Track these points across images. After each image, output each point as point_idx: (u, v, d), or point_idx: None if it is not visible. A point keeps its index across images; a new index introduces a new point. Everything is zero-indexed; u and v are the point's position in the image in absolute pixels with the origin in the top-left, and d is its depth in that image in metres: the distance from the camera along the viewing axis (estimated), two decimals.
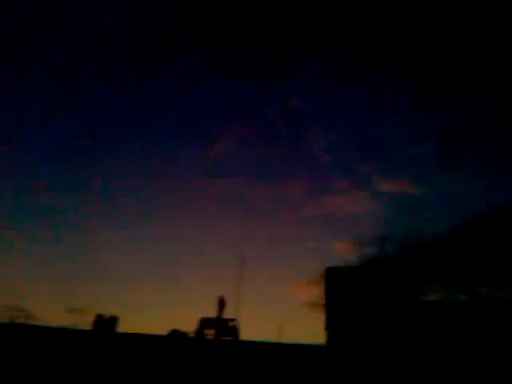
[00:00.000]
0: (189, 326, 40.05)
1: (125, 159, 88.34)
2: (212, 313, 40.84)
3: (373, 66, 78.10)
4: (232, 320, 40.27)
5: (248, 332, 44.11)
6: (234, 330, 39.78)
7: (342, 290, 36.64)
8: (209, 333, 39.64)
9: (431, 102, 73.79)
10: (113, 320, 40.16)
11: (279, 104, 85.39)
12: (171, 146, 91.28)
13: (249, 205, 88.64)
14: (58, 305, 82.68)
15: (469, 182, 70.41)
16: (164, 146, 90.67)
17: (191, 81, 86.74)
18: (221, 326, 39.75)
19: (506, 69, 60.70)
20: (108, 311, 41.14)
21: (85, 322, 40.90)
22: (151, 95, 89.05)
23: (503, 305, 33.80)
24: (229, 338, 38.90)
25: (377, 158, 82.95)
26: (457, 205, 68.01)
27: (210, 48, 79.79)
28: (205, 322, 39.93)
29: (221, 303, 40.48)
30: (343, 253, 70.41)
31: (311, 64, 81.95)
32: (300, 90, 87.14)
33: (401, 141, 78.46)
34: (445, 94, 72.93)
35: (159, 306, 77.14)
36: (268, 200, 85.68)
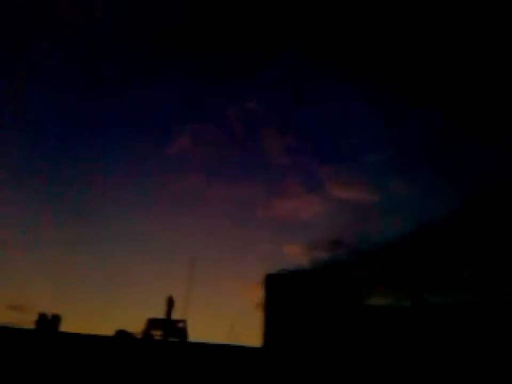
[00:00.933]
0: (136, 326, 39.38)
1: (70, 155, 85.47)
2: (160, 313, 40.26)
3: (334, 73, 79.62)
4: (181, 321, 39.86)
5: (199, 333, 43.74)
6: (182, 332, 39.39)
7: (280, 297, 37.52)
8: (157, 334, 39.05)
9: (390, 110, 76.42)
10: (56, 319, 38.76)
11: (238, 104, 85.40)
12: (127, 142, 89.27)
13: (203, 204, 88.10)
14: None
15: (421, 192, 73.31)
16: (119, 143, 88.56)
17: (151, 77, 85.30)
18: (169, 327, 39.25)
19: (458, 87, 63.66)
20: (51, 309, 39.56)
21: (27, 321, 39.27)
22: (114, 91, 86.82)
23: (444, 311, 35.31)
24: (177, 339, 38.48)
25: (333, 164, 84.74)
26: (409, 213, 70.62)
27: (172, 46, 78.82)
28: (153, 323, 39.30)
29: (170, 304, 39.92)
30: (295, 256, 71.35)
31: (273, 67, 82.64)
32: (259, 92, 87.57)
33: (358, 147, 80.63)
34: (404, 105, 75.69)
35: (105, 306, 75.05)
36: (223, 200, 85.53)
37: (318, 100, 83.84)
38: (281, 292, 37.68)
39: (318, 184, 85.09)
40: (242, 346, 35.95)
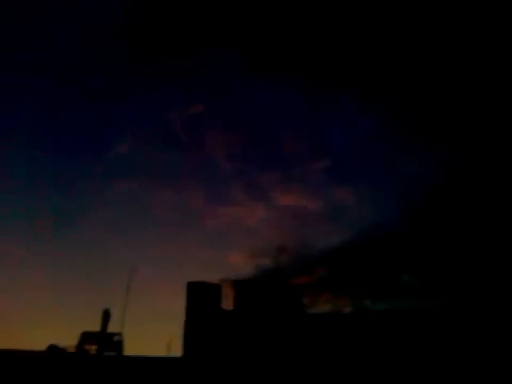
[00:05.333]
0: (69, 340, 38.06)
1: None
2: (96, 327, 39.12)
3: (276, 79, 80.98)
4: (117, 334, 38.90)
5: (138, 347, 42.94)
6: (118, 345, 38.44)
7: (203, 305, 37.97)
8: (92, 348, 37.91)
9: (332, 117, 79.15)
10: None
11: (182, 109, 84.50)
12: (65, 146, 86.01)
13: (145, 211, 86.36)
14: None
15: (363, 199, 75.99)
16: (57, 147, 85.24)
17: (91, 80, 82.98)
18: (105, 340, 38.20)
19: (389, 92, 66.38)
20: None
21: None
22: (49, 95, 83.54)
23: (382, 317, 36.76)
24: (113, 353, 37.51)
25: (277, 171, 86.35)
26: (351, 220, 72.96)
27: (112, 48, 77.22)
28: (87, 337, 38.10)
29: (106, 317, 38.88)
30: (240, 263, 71.63)
31: (216, 70, 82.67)
32: (203, 96, 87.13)
33: (301, 154, 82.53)
34: (347, 112, 78.36)
35: (35, 319, 71.75)
36: (166, 207, 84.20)
37: (261, 107, 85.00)
38: (204, 300, 38.03)
39: (262, 191, 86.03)
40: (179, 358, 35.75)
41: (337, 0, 65.44)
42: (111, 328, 39.18)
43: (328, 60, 70.23)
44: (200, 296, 37.99)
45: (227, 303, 40.42)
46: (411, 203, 56.86)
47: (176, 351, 38.42)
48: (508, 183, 48.15)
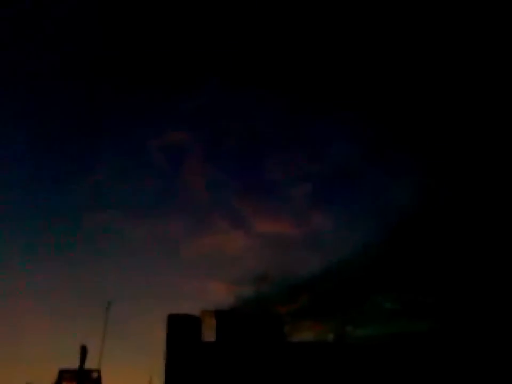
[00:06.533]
0: (47, 379, 37.03)
1: None
2: (73, 364, 38.11)
3: (257, 103, 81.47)
4: (95, 371, 37.93)
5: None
6: (97, 382, 37.46)
7: (183, 338, 37.18)
8: None
9: (311, 142, 79.72)
10: None
11: (161, 137, 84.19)
12: (39, 175, 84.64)
13: (121, 242, 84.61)
14: None
15: (341, 225, 75.56)
16: (28, 179, 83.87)
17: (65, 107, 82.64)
18: (82, 378, 37.23)
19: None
20: None
21: None
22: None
23: (364, 344, 36.43)
24: None
25: (257, 198, 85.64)
26: (331, 246, 72.30)
27: (90, 75, 77.63)
28: (64, 375, 37.10)
29: (83, 353, 37.89)
30: (221, 294, 70.23)
31: (196, 98, 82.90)
32: (182, 124, 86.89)
33: (280, 180, 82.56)
34: (325, 136, 78.78)
35: (11, 358, 69.43)
36: (143, 238, 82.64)
37: (240, 133, 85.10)
38: (184, 332, 37.18)
39: (242, 219, 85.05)
40: None
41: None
42: (88, 364, 38.28)
43: (308, 84, 71.15)
44: (180, 329, 37.20)
45: (210, 335, 39.70)
46: (391, 227, 57.01)
47: None
48: (491, 208, 48.84)
